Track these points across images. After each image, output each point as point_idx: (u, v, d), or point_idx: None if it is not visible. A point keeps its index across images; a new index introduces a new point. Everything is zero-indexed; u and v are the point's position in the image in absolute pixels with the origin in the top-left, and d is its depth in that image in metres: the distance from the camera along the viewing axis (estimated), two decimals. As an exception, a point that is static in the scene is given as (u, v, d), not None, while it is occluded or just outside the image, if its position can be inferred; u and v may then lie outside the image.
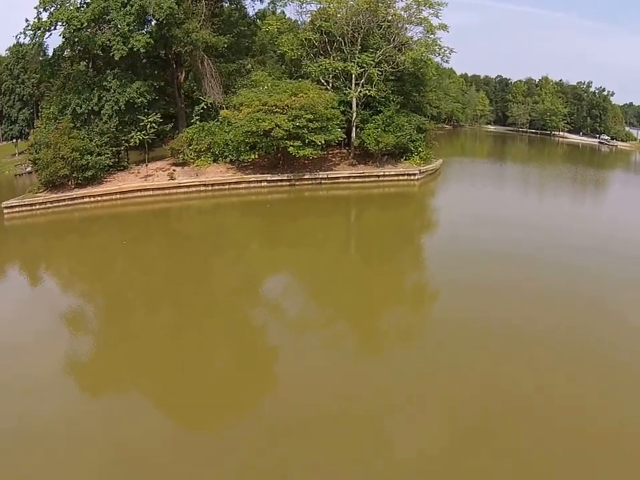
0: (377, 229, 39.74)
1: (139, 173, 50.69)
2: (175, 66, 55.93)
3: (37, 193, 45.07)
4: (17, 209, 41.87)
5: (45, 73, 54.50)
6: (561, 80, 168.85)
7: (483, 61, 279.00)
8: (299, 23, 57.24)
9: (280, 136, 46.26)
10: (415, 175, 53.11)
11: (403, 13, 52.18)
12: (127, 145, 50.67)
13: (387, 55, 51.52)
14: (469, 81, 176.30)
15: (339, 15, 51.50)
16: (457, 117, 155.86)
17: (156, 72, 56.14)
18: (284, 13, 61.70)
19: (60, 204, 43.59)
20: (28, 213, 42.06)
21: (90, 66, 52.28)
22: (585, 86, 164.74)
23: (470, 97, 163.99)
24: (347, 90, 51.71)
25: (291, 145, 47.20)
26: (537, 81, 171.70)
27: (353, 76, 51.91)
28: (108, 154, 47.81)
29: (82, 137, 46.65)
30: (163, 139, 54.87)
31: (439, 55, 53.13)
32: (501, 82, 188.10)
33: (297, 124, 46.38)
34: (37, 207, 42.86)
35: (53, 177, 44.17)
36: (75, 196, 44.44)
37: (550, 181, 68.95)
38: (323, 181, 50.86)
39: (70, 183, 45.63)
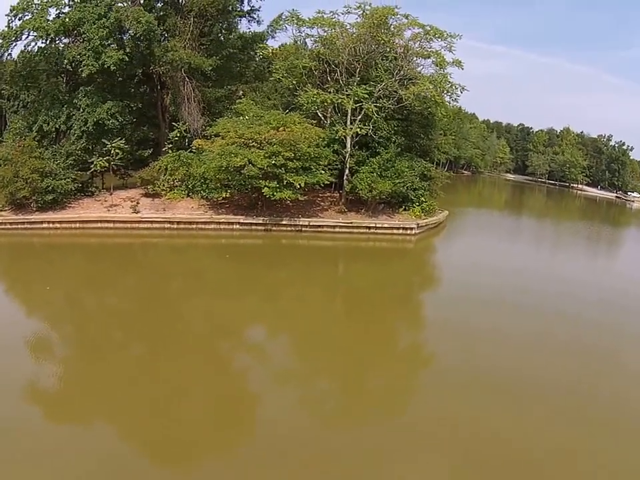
0: (355, 290, 31.82)
1: (105, 201, 43.01)
2: (159, 87, 47.81)
3: (0, 211, 39.20)
4: (-24, 228, 36.62)
5: (17, 85, 47.15)
6: (582, 132, 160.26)
7: (506, 108, 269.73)
8: (298, 48, 48.27)
9: (252, 174, 37.30)
10: (411, 229, 43.11)
11: (411, 43, 42.96)
12: (94, 169, 42.61)
13: (388, 89, 42.20)
14: (491, 128, 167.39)
15: (338, 42, 42.55)
16: (476, 163, 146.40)
17: (137, 92, 48.60)
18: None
19: (19, 226, 38.14)
20: (-12, 233, 36.58)
21: (64, 81, 44.70)
22: (605, 139, 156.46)
23: (490, 144, 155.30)
24: (337, 127, 42.26)
25: (265, 186, 38.14)
26: (559, 131, 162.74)
27: (349, 111, 42.69)
28: (71, 178, 40.59)
29: (47, 157, 40.13)
30: (145, 164, 46.95)
31: (448, 92, 43.50)
32: (522, 130, 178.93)
33: (274, 162, 37.34)
34: (-3, 226, 37.18)
35: (12, 197, 38.59)
36: (33, 220, 38.66)
37: (565, 241, 58.41)
38: (303, 229, 41.29)
39: (32, 205, 39.39)
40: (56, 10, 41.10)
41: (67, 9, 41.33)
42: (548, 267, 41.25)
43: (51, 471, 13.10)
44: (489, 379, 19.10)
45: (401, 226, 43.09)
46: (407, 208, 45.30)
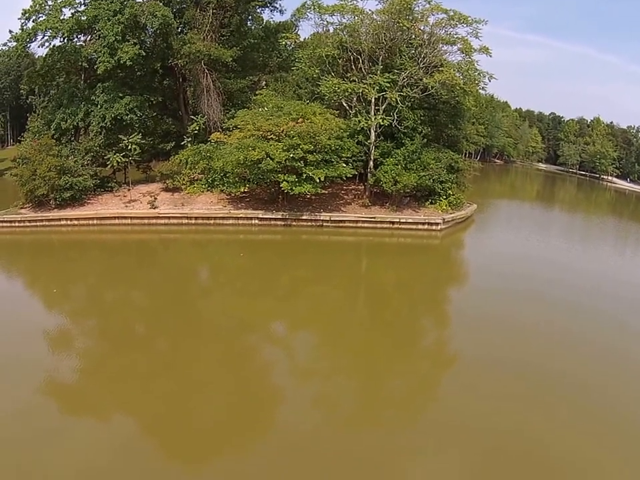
0: (374, 288, 29.67)
1: (124, 196, 41.24)
2: (181, 80, 45.54)
3: (20, 208, 38.68)
4: (-3, 224, 36.02)
5: (36, 83, 45.72)
6: (611, 122, 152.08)
7: (537, 96, 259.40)
8: (322, 37, 45.12)
9: (270, 168, 34.65)
10: (437, 224, 39.77)
11: (436, 29, 39.46)
12: (112, 165, 40.71)
13: (413, 77, 38.85)
14: (523, 116, 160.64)
15: (361, 30, 39.41)
16: (508, 152, 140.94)
17: (159, 86, 46.50)
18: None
19: (37, 224, 37.09)
20: (7, 230, 36.35)
21: (83, 78, 42.84)
22: (634, 131, 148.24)
23: (522, 133, 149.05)
24: (359, 117, 38.86)
25: (284, 180, 35.46)
26: (589, 121, 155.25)
27: (372, 100, 39.50)
28: (90, 174, 39.23)
29: (65, 155, 38.76)
30: (169, 157, 45.00)
31: (475, 80, 39.86)
32: (554, 119, 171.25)
33: (292, 155, 34.59)
34: (17, 224, 36.88)
35: (32, 195, 37.45)
36: (51, 217, 37.58)
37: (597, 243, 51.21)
38: (324, 224, 38.47)
39: (51, 202, 38.25)
40: (70, 9, 39.49)
41: (82, 8, 39.61)
42: (584, 271, 35.91)
43: (66, 460, 13.13)
44: (517, 385, 17.89)
45: (426, 221, 39.84)
46: (433, 201, 42.02)
